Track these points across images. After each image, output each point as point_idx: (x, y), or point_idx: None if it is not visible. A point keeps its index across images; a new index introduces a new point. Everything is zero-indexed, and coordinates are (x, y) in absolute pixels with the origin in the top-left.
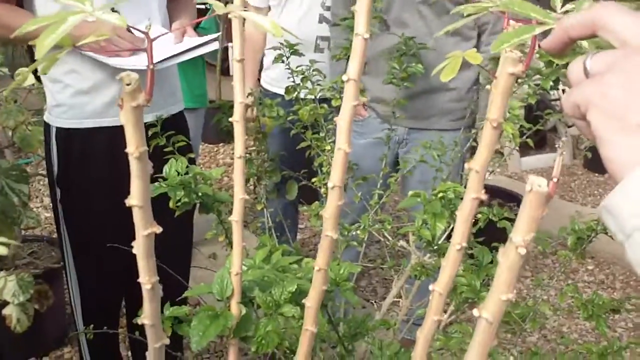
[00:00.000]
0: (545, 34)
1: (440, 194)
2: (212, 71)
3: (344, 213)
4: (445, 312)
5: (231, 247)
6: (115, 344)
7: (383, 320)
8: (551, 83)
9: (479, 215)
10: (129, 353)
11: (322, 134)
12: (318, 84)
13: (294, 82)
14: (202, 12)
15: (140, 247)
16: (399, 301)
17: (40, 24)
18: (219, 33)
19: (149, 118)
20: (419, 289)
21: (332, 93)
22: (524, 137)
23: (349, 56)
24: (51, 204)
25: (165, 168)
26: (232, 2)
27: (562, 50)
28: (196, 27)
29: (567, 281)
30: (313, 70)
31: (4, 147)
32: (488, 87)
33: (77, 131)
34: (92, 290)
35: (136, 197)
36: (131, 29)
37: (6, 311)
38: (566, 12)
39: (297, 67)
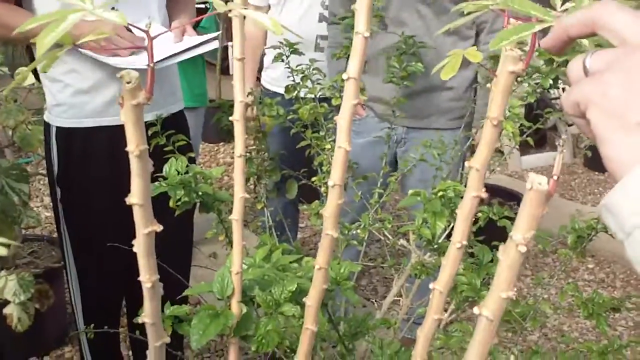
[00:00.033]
0: (544, 32)
1: (440, 193)
2: (212, 70)
3: (344, 212)
4: (445, 310)
5: (231, 246)
6: (116, 343)
7: (383, 319)
8: (551, 81)
9: (479, 214)
10: (130, 352)
11: (322, 133)
12: (318, 83)
13: (294, 81)
14: (201, 11)
15: (141, 246)
16: (399, 300)
17: (40, 22)
18: (219, 32)
19: (149, 117)
20: (420, 287)
21: (332, 92)
22: (524, 135)
23: (348, 55)
24: (51, 204)
25: (166, 167)
26: (232, 1)
27: (561, 48)
28: (196, 26)
29: (567, 280)
30: (313, 69)
31: (4, 146)
32: (488, 85)
33: (77, 130)
34: (92, 289)
35: (137, 196)
36: (131, 28)
37: (7, 310)
38: (566, 10)
39: (297, 66)
